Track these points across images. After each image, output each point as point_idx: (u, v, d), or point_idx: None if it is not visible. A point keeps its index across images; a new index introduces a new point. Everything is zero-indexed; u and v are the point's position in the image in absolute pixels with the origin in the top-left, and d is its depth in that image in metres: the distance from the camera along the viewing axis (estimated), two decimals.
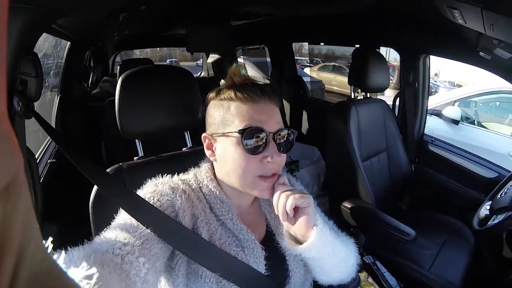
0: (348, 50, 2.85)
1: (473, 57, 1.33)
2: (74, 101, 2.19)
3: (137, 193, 0.61)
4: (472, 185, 1.66)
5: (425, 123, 1.89)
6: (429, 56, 1.76)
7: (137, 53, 5.42)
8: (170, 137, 0.85)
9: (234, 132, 0.59)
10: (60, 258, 0.39)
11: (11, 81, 0.79)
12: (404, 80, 1.82)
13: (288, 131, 0.62)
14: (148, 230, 0.53)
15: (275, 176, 0.62)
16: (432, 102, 3.00)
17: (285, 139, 0.62)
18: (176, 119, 0.84)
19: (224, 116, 0.61)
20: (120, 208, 0.58)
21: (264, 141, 0.59)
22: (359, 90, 1.71)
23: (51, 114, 2.04)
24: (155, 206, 0.58)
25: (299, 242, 0.63)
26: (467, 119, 3.13)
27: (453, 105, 3.14)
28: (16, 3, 0.70)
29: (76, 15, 1.28)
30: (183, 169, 0.72)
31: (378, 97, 1.91)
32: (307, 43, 3.66)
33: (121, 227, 0.54)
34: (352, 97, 1.71)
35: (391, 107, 1.83)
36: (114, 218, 0.58)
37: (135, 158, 0.85)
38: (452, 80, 7.60)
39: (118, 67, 3.13)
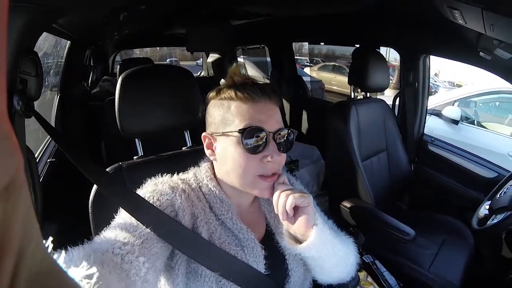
0: (348, 50, 2.85)
1: (473, 57, 1.33)
2: (74, 100, 2.19)
3: (137, 192, 0.61)
4: (471, 185, 1.66)
5: (425, 123, 1.89)
6: (429, 56, 1.76)
7: (137, 53, 5.41)
8: (170, 136, 0.85)
9: (234, 131, 0.59)
10: (60, 258, 0.39)
11: (11, 80, 0.79)
12: (404, 80, 1.82)
13: (288, 131, 0.62)
14: (148, 230, 0.53)
15: (275, 175, 0.62)
16: (432, 102, 3.00)
17: (285, 138, 0.62)
18: (176, 118, 0.84)
19: (224, 115, 0.61)
20: (120, 208, 0.58)
21: (264, 140, 0.59)
22: (359, 90, 1.71)
23: (51, 113, 2.04)
24: (154, 205, 0.58)
25: (298, 241, 0.63)
26: (467, 119, 3.13)
27: (453, 105, 3.14)
28: (16, 2, 0.70)
29: (76, 14, 1.28)
30: (183, 168, 0.72)
31: (378, 97, 1.91)
32: (307, 43, 3.66)
33: (121, 226, 0.54)
34: (352, 97, 1.71)
35: (391, 107, 1.83)
36: (114, 218, 0.58)
37: (135, 157, 0.85)
38: (452, 80, 7.60)
39: (118, 66, 3.13)
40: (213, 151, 0.65)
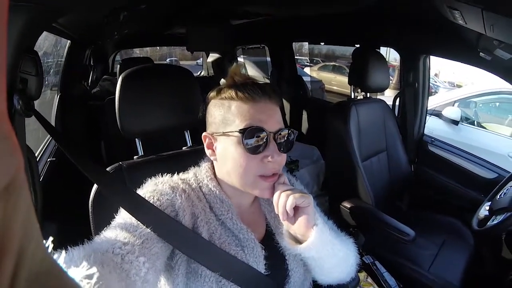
0: (348, 50, 2.85)
1: (473, 58, 1.33)
2: (74, 99, 2.19)
3: (137, 192, 0.61)
4: (471, 186, 1.66)
5: (425, 123, 1.89)
6: (429, 56, 1.76)
7: (137, 52, 5.41)
8: (170, 136, 0.85)
9: (235, 131, 0.59)
10: (60, 258, 0.39)
11: (12, 80, 0.79)
12: (404, 80, 1.82)
13: (288, 131, 0.62)
14: (148, 230, 0.53)
15: (276, 175, 0.62)
16: (432, 102, 3.00)
17: (285, 138, 0.62)
18: (176, 118, 0.84)
19: (224, 115, 0.61)
20: (120, 207, 0.58)
21: (264, 140, 0.59)
22: (359, 90, 1.71)
23: (51, 112, 2.04)
24: (155, 205, 0.58)
25: (299, 241, 0.63)
26: (467, 120, 3.13)
27: (453, 105, 3.14)
28: (16, 1, 0.70)
29: (77, 14, 1.28)
30: (183, 168, 0.72)
31: (378, 97, 1.91)
32: (307, 43, 3.65)
33: (121, 226, 0.54)
34: (352, 97, 1.71)
35: (391, 107, 1.83)
36: (114, 217, 0.58)
37: (135, 157, 0.85)
38: (452, 81, 7.60)
39: (118, 66, 3.13)
40: (213, 151, 0.65)
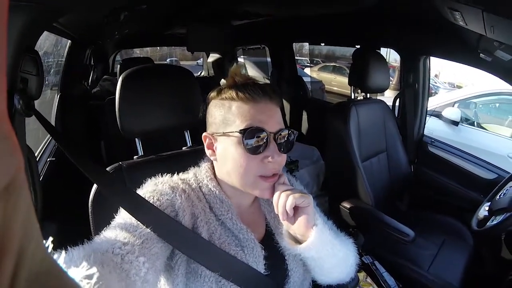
0: (349, 51, 2.85)
1: (473, 59, 1.33)
2: (74, 99, 2.19)
3: (137, 192, 0.61)
4: (471, 186, 1.66)
5: (424, 124, 1.89)
6: (429, 57, 1.76)
7: (137, 52, 5.41)
8: (170, 136, 0.85)
9: (235, 131, 0.59)
10: (60, 258, 0.39)
11: (12, 79, 0.79)
12: (404, 81, 1.82)
13: (288, 131, 0.62)
14: (148, 230, 0.53)
15: (276, 176, 0.62)
16: (432, 103, 3.00)
17: (285, 139, 0.62)
18: (176, 118, 0.84)
19: (225, 115, 0.61)
20: (120, 207, 0.58)
21: (264, 141, 0.59)
22: (359, 91, 1.71)
23: (51, 112, 2.04)
24: (155, 205, 0.58)
25: (298, 241, 0.63)
26: (467, 121, 3.13)
27: (453, 106, 3.14)
28: (17, 1, 0.70)
29: (77, 14, 1.28)
30: (183, 168, 0.72)
31: (378, 97, 1.91)
32: (307, 43, 3.65)
33: (121, 226, 0.54)
34: (352, 97, 1.71)
35: (391, 107, 1.83)
36: (114, 217, 0.58)
37: (135, 157, 0.85)
38: (452, 82, 7.61)
39: (118, 66, 3.13)
40: (213, 151, 0.65)
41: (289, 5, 1.69)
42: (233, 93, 0.61)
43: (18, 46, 0.78)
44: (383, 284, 1.22)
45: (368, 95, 1.73)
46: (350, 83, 1.67)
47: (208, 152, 0.66)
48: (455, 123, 2.90)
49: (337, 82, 6.24)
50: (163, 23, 2.37)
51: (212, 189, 0.65)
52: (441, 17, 1.13)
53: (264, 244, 0.65)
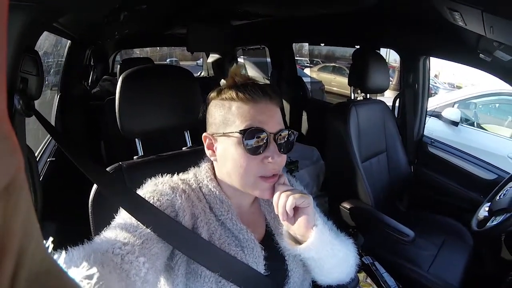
0: (348, 51, 2.85)
1: (473, 59, 1.33)
2: (74, 99, 2.19)
3: (137, 192, 0.61)
4: (471, 187, 1.66)
5: (424, 124, 1.89)
6: (429, 57, 1.77)
7: (137, 52, 5.42)
8: (170, 136, 0.85)
9: (235, 132, 0.59)
10: (60, 258, 0.39)
11: (12, 79, 0.79)
12: (404, 81, 1.82)
13: (288, 132, 0.62)
14: (148, 230, 0.53)
15: (276, 176, 0.62)
16: (432, 103, 3.00)
17: (285, 139, 0.62)
18: (176, 118, 0.84)
19: (225, 116, 0.61)
20: (120, 208, 0.58)
21: (265, 141, 0.59)
22: (359, 91, 1.71)
23: (51, 112, 2.04)
24: (155, 205, 0.58)
25: (298, 242, 0.63)
26: (467, 121, 3.13)
27: (453, 106, 3.15)
28: (17, 0, 0.70)
29: (77, 14, 1.28)
30: (183, 168, 0.72)
31: (378, 98, 1.91)
32: (307, 44, 3.65)
33: (121, 226, 0.54)
34: (352, 98, 1.71)
35: (390, 108, 1.83)
36: (114, 218, 0.58)
37: (135, 157, 0.85)
38: (452, 82, 7.61)
39: (118, 66, 3.13)
40: (213, 151, 0.65)
41: (289, 5, 1.69)
42: (233, 94, 0.61)
43: (18, 46, 0.78)
44: (383, 285, 1.22)
45: (368, 96, 1.73)
46: (350, 84, 1.67)
47: (208, 152, 0.66)
48: (455, 123, 2.90)
49: (337, 83, 6.24)
50: (163, 23, 2.38)
51: (212, 189, 0.65)
52: (440, 18, 1.14)
53: (264, 245, 0.65)
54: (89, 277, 0.37)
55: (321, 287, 0.73)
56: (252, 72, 3.77)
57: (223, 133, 0.61)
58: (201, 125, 0.70)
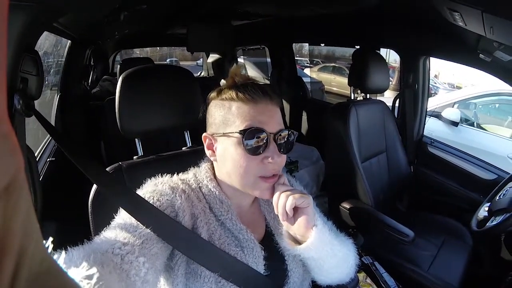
0: (348, 51, 2.85)
1: (473, 59, 1.33)
2: (74, 99, 2.19)
3: (137, 192, 0.61)
4: (471, 187, 1.66)
5: (424, 124, 1.89)
6: (429, 57, 1.77)
7: (137, 52, 5.42)
8: (170, 136, 0.85)
9: (235, 132, 0.59)
10: (60, 258, 0.39)
11: (12, 79, 0.79)
12: (404, 81, 1.82)
13: (288, 132, 0.62)
14: (148, 230, 0.53)
15: (276, 176, 0.62)
16: (432, 103, 3.00)
17: (285, 139, 0.62)
18: (176, 118, 0.84)
19: (225, 116, 0.61)
20: (120, 208, 0.58)
21: (264, 141, 0.59)
22: (359, 91, 1.71)
23: (51, 112, 2.04)
24: (154, 205, 0.58)
25: (298, 242, 0.63)
26: (467, 121, 3.13)
27: (453, 106, 3.15)
28: (17, 1, 0.70)
29: (77, 14, 1.28)
30: (183, 168, 0.72)
31: (378, 98, 1.91)
32: (307, 44, 3.66)
33: (120, 226, 0.54)
34: (352, 98, 1.71)
35: (390, 108, 1.83)
36: (114, 218, 0.58)
37: (134, 157, 0.85)
38: (452, 82, 7.61)
39: (118, 66, 3.13)
40: (213, 151, 0.65)
41: (289, 5, 1.70)
42: (233, 94, 0.61)
43: (18, 46, 0.78)
44: (382, 285, 1.23)
45: (368, 96, 1.73)
46: (349, 84, 1.67)
47: (208, 152, 0.66)
48: (454, 123, 2.90)
49: (337, 83, 6.24)
50: (163, 23, 2.38)
51: (212, 189, 0.65)
52: (440, 18, 1.14)
53: (264, 245, 0.65)
54: (89, 277, 0.37)
55: (321, 287, 0.73)
56: (252, 72, 3.78)
57: (223, 133, 0.61)
58: (201, 125, 0.70)
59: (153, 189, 0.61)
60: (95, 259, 0.43)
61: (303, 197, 0.59)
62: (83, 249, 0.46)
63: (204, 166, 0.69)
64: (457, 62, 1.49)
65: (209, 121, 0.65)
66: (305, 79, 3.32)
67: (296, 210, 0.60)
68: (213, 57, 3.59)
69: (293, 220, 0.61)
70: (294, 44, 2.95)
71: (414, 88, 1.79)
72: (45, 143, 1.78)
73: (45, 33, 1.40)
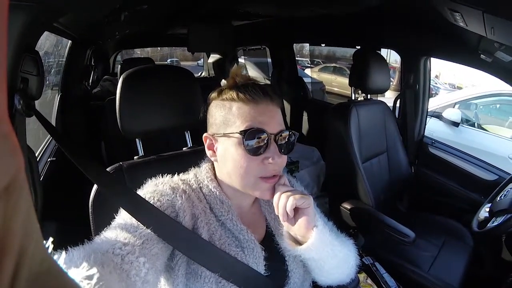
0: (349, 52, 2.85)
1: (473, 60, 1.33)
2: (75, 100, 2.19)
3: (137, 192, 0.61)
4: (472, 187, 1.66)
5: (425, 125, 1.89)
6: (429, 58, 1.76)
7: (138, 52, 5.42)
8: (171, 136, 0.85)
9: (236, 132, 0.59)
10: (61, 258, 0.39)
11: (12, 79, 0.79)
12: (405, 82, 1.82)
13: (289, 132, 0.62)
14: (148, 230, 0.53)
15: (276, 177, 0.62)
16: (433, 104, 3.00)
17: (286, 140, 0.62)
18: (177, 118, 0.84)
19: (225, 116, 0.61)
20: (120, 208, 0.58)
21: (265, 142, 0.59)
22: (360, 92, 1.71)
23: (51, 112, 2.04)
24: (155, 206, 0.58)
25: (299, 243, 0.63)
26: (467, 122, 3.13)
27: (454, 107, 3.14)
28: (17, 1, 0.70)
29: (78, 14, 1.28)
30: (184, 169, 0.72)
31: (379, 98, 1.91)
32: (308, 44, 3.66)
33: (121, 226, 0.54)
34: (353, 98, 1.71)
35: (391, 108, 1.83)
36: (114, 218, 0.58)
37: (135, 157, 0.85)
38: (453, 82, 7.61)
39: (119, 66, 3.13)
40: (214, 152, 0.65)
41: (289, 6, 1.70)
42: (233, 94, 0.61)
43: (19, 46, 0.78)
44: (383, 285, 1.22)
45: (369, 96, 1.73)
46: (350, 84, 1.67)
47: (208, 153, 0.66)
48: (455, 124, 2.89)
49: (338, 83, 6.25)
50: (164, 23, 2.38)
51: (212, 189, 0.65)
52: (441, 18, 1.13)
53: (265, 245, 0.65)
54: (89, 277, 0.37)
55: None
56: (252, 72, 3.78)
57: (224, 133, 0.61)
58: (201, 126, 0.70)
59: (153, 189, 0.61)
60: (95, 259, 0.43)
61: (304, 198, 0.59)
62: (83, 249, 0.45)
63: (204, 166, 0.69)
64: (458, 63, 1.49)
65: (210, 121, 0.65)
66: (306, 80, 3.32)
67: (296, 210, 0.60)
68: (213, 58, 3.59)
69: (293, 221, 0.61)
70: (294, 44, 2.95)
71: (415, 88, 1.79)
72: (46, 143, 1.78)
73: (46, 33, 1.40)
